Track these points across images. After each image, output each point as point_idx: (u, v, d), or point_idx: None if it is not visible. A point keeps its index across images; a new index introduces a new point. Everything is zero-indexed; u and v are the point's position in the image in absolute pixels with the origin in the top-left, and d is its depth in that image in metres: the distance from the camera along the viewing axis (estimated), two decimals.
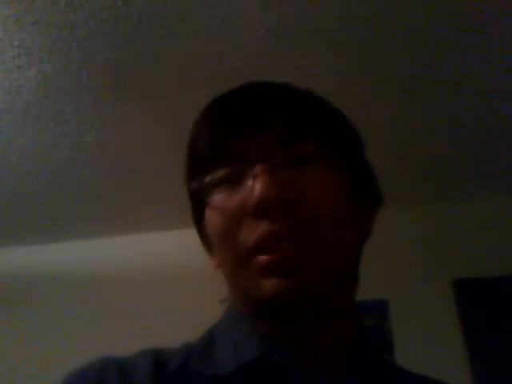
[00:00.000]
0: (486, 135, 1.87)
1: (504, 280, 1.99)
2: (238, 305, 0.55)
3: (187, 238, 2.03)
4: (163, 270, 2.24)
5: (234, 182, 0.50)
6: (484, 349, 1.89)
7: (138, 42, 1.44)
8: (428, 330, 1.94)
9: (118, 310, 2.14)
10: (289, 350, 0.49)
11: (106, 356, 0.52)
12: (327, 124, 0.53)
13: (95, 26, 1.38)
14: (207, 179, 0.51)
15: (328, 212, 0.49)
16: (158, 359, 0.51)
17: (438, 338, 1.92)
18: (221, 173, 0.50)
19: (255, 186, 0.46)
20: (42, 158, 1.89)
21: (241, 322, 0.53)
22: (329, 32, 1.43)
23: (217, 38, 1.44)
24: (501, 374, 1.82)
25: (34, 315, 2.22)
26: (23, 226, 2.29)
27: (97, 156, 1.90)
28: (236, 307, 0.55)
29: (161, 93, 1.63)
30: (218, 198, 0.50)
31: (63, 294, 2.25)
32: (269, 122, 0.50)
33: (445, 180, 2.12)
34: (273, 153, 0.49)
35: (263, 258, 0.46)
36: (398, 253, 2.01)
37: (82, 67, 1.52)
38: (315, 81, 1.58)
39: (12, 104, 1.64)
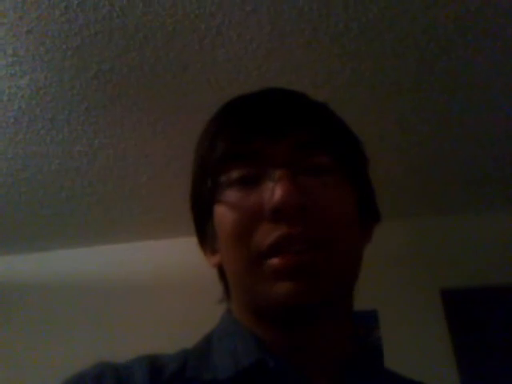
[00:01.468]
0: (479, 146, 1.89)
1: (490, 290, 2.01)
2: (238, 307, 0.55)
3: (180, 247, 2.04)
4: (157, 277, 2.23)
5: (250, 182, 0.50)
6: (472, 356, 1.91)
7: (132, 53, 1.45)
8: (417, 339, 1.95)
9: (112, 317, 2.14)
10: (287, 356, 0.49)
11: (103, 361, 0.52)
12: (343, 138, 0.55)
13: (89, 36, 1.39)
14: (223, 177, 0.51)
15: (343, 221, 0.50)
16: (153, 365, 0.51)
17: (427, 347, 1.94)
18: (238, 172, 0.51)
19: (276, 190, 0.47)
20: (33, 166, 1.88)
21: (238, 327, 0.53)
22: (329, 39, 1.45)
23: (211, 49, 1.45)
24: (488, 382, 1.84)
25: (29, 322, 2.21)
26: (14, 234, 2.28)
27: (88, 164, 1.90)
28: (234, 311, 0.56)
29: (154, 102, 1.64)
30: (233, 196, 0.50)
31: (57, 301, 2.24)
32: (290, 128, 0.51)
33: (433, 191, 2.14)
34: (293, 159, 0.50)
35: (278, 260, 0.46)
36: (387, 263, 2.02)
37: (75, 76, 1.53)
38: (313, 91, 1.60)
39: (4, 112, 1.63)
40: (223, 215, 0.51)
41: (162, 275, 2.23)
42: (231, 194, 0.50)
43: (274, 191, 0.47)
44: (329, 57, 1.50)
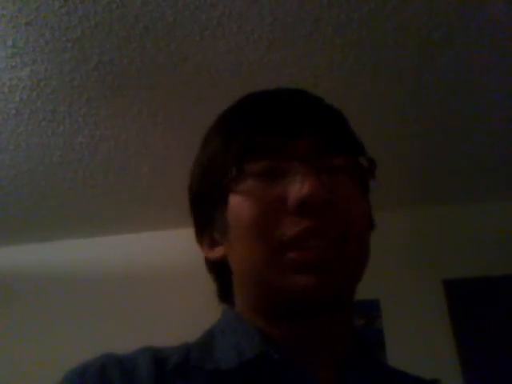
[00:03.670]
0: (481, 136, 1.89)
1: (492, 280, 2.02)
2: (243, 303, 0.55)
3: (180, 238, 2.04)
4: (157, 268, 2.24)
5: (271, 175, 0.51)
6: (474, 347, 1.91)
7: (133, 44, 1.45)
8: (419, 329, 1.96)
9: (113, 308, 2.15)
10: (290, 349, 0.50)
11: (107, 353, 0.52)
12: (358, 144, 0.57)
13: (89, 28, 1.38)
14: (246, 167, 0.51)
15: (362, 218, 0.52)
16: (157, 356, 0.51)
17: (429, 337, 1.94)
18: (260, 165, 0.51)
19: (305, 183, 0.48)
20: (35, 158, 1.88)
21: (241, 323, 0.53)
22: (331, 29, 1.44)
23: (212, 40, 1.45)
24: (490, 372, 1.85)
25: (30, 312, 2.22)
26: (16, 224, 2.29)
27: (90, 156, 1.90)
28: (236, 307, 0.56)
29: (154, 93, 1.63)
30: (255, 187, 0.51)
31: (59, 292, 2.26)
32: (311, 128, 0.52)
33: (435, 181, 2.14)
34: (317, 156, 0.51)
35: (299, 254, 0.47)
36: (389, 253, 2.02)
37: (76, 68, 1.52)
38: (314, 82, 1.59)
39: (5, 104, 1.63)
40: (242, 206, 0.51)
41: (163, 266, 2.23)
42: (252, 185, 0.51)
43: (303, 185, 0.48)
44: (330, 47, 1.49)
